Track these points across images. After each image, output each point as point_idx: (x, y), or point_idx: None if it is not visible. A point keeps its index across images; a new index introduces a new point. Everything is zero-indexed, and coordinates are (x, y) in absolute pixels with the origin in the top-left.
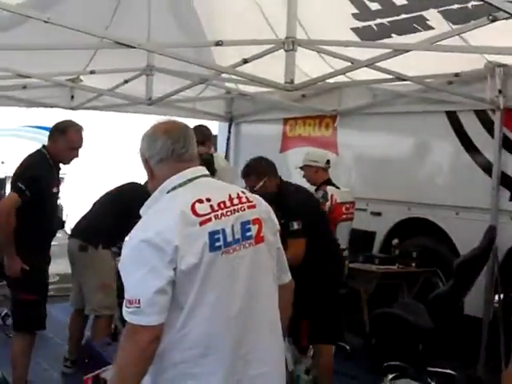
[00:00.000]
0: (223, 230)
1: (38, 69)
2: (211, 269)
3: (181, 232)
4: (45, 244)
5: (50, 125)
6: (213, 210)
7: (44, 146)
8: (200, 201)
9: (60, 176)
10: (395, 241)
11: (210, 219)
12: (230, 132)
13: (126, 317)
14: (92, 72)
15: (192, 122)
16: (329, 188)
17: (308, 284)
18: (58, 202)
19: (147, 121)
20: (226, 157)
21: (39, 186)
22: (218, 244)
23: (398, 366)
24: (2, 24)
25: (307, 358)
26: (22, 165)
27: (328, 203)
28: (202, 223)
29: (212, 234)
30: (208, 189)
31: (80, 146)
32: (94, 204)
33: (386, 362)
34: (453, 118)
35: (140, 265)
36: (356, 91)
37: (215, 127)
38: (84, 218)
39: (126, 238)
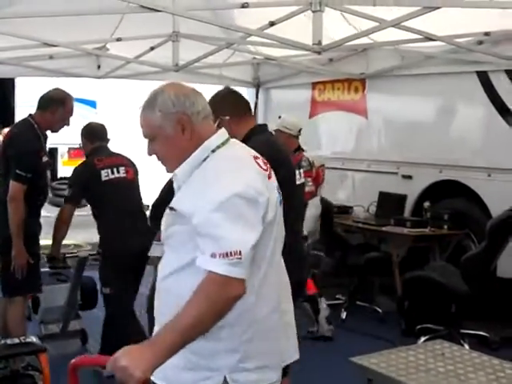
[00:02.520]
0: (278, 187)
1: (63, 38)
2: (278, 225)
3: (264, 183)
4: (38, 211)
5: (78, 95)
6: (268, 167)
7: (31, 116)
8: (256, 157)
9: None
10: (427, 203)
11: (271, 175)
12: (257, 98)
13: (220, 267)
14: (118, 39)
15: (219, 89)
16: (305, 154)
17: None
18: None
19: None
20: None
21: (34, 164)
22: (280, 199)
23: (431, 328)
24: None
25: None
26: (13, 143)
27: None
28: (269, 177)
29: (278, 189)
30: (247, 147)
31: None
32: None
33: (418, 325)
34: (484, 79)
35: (235, 219)
36: (384, 53)
37: (243, 93)
38: None
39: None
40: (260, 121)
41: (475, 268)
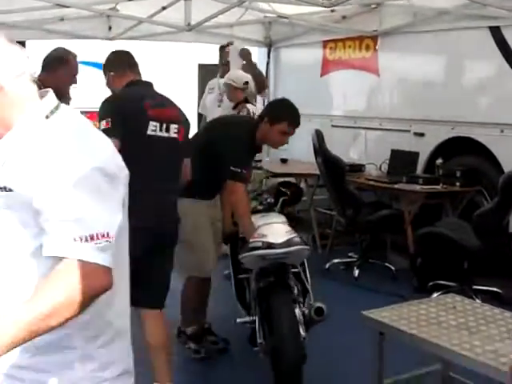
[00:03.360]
0: None
1: None
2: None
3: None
4: None
5: (89, 58)
6: None
7: (38, 77)
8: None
9: None
10: (439, 161)
11: None
12: (269, 57)
13: (86, 252)
14: None
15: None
16: (248, 106)
17: None
18: None
19: (186, 49)
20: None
21: None
22: None
23: (443, 284)
24: None
25: None
26: None
27: None
28: None
29: None
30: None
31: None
32: None
33: (431, 282)
34: (497, 34)
35: (98, 197)
36: (396, 9)
37: (254, 53)
38: None
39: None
40: (271, 82)
41: (487, 224)
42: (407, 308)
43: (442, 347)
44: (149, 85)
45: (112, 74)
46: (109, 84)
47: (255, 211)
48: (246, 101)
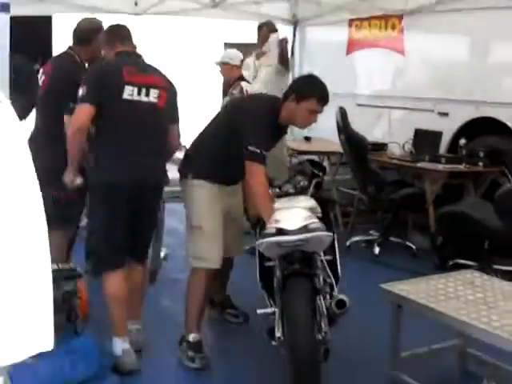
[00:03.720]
0: None
1: None
2: None
3: None
4: None
5: None
6: None
7: (71, 48)
8: None
9: None
10: (462, 141)
11: None
12: (294, 36)
13: None
14: None
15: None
16: (243, 83)
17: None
18: None
19: (211, 25)
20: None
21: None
22: None
23: (463, 263)
24: None
25: None
26: (61, 75)
27: None
28: None
29: None
30: None
31: None
32: None
33: (451, 260)
34: None
35: None
36: None
37: (280, 31)
38: None
39: None
40: (296, 60)
41: (509, 204)
42: (426, 282)
43: (460, 321)
44: (136, 55)
45: (106, 45)
46: (105, 54)
47: (286, 194)
48: (242, 78)
